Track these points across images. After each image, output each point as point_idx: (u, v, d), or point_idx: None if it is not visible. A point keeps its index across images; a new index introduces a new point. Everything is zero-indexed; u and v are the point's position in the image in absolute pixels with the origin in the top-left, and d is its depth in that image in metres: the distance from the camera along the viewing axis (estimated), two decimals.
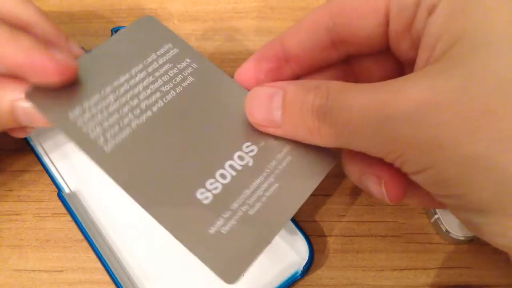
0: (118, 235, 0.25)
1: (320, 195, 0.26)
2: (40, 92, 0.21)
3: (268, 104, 0.20)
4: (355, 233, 0.26)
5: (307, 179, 0.22)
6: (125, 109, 0.22)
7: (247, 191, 0.22)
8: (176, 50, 0.25)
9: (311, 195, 0.27)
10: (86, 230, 0.25)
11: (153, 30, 0.25)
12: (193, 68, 0.24)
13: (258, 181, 0.22)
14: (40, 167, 0.27)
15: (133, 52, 0.24)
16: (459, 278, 0.25)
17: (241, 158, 0.22)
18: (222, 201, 0.21)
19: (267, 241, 0.21)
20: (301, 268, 0.24)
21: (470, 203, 0.17)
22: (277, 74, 0.23)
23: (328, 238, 0.26)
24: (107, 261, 0.24)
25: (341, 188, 0.27)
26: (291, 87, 0.20)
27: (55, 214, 0.26)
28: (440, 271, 0.25)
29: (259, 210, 0.21)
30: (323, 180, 0.27)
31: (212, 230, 0.21)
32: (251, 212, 0.21)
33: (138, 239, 0.25)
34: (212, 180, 0.22)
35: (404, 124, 0.16)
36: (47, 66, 0.20)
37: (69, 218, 0.26)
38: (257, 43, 0.31)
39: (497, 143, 0.15)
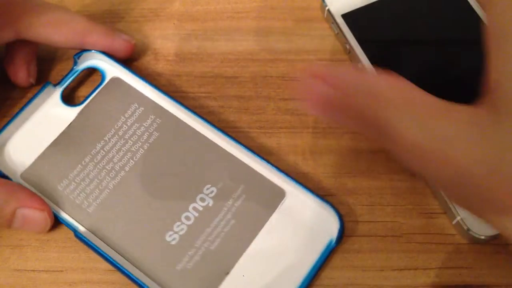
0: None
1: (321, 195, 0.26)
2: (33, 175, 0.26)
3: (316, 92, 0.20)
4: (355, 233, 0.26)
5: (260, 214, 0.25)
6: (103, 174, 0.26)
7: (208, 229, 0.25)
8: (141, 109, 0.28)
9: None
10: (113, 258, 0.25)
11: (120, 91, 0.28)
12: (157, 123, 0.28)
13: (217, 219, 0.25)
14: None
15: (105, 119, 0.28)
16: (459, 278, 0.25)
17: (202, 200, 0.26)
18: (187, 240, 0.25)
19: (227, 271, 0.24)
20: (335, 235, 0.25)
21: None
22: None
23: None
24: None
25: (341, 189, 0.27)
26: (343, 80, 0.20)
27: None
28: (440, 271, 0.25)
29: (219, 245, 0.25)
30: (324, 181, 0.27)
31: (179, 267, 0.24)
32: (212, 248, 0.25)
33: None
34: (178, 223, 0.25)
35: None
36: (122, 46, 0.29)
37: None
38: (257, 43, 0.31)
39: None
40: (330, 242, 0.25)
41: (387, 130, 0.18)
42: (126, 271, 0.24)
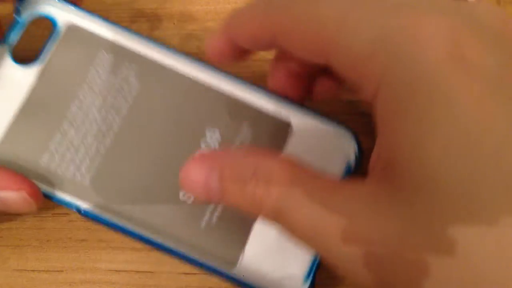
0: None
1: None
2: (6, 152, 0.23)
3: (204, 186, 0.19)
4: None
5: (271, 148, 0.24)
6: (89, 138, 0.23)
7: None
8: (111, 57, 0.24)
9: None
10: (134, 230, 0.23)
11: (81, 40, 0.24)
12: (133, 71, 0.24)
13: None
14: None
15: (72, 74, 0.24)
16: None
17: (207, 146, 0.24)
18: None
19: (253, 218, 0.23)
20: (352, 158, 0.24)
21: None
22: (241, 55, 0.23)
23: None
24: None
25: None
26: (227, 168, 0.18)
27: (55, 214, 0.26)
28: None
29: None
30: None
31: (203, 224, 0.23)
32: None
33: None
34: None
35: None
36: None
37: (69, 218, 0.26)
38: None
39: None
40: (349, 166, 0.24)
41: (283, 219, 0.17)
42: (152, 241, 0.22)
